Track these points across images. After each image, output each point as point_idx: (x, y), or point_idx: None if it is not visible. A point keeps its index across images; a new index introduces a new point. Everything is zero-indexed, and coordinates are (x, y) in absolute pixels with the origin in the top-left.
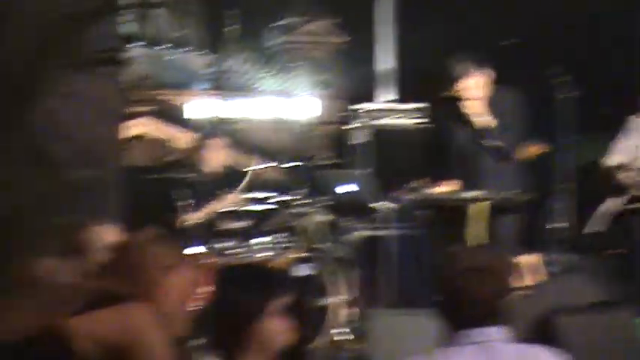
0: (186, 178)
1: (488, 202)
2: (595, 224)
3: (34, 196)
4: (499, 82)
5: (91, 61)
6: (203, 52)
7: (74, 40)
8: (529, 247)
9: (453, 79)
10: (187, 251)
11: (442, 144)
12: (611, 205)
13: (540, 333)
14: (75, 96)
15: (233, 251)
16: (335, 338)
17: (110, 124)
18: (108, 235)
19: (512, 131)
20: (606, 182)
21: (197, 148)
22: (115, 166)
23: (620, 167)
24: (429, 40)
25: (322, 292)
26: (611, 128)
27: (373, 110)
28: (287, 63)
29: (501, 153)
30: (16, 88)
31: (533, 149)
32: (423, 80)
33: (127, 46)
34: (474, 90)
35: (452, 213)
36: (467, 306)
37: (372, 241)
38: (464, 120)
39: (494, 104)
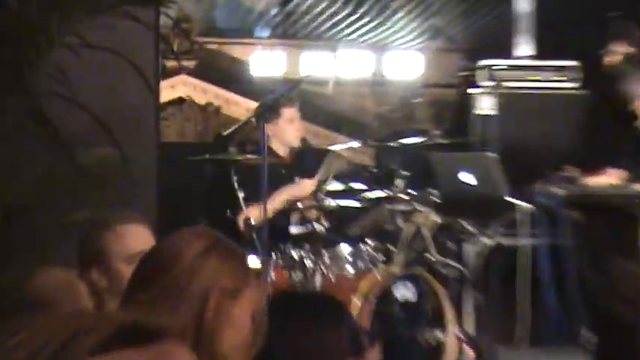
0: (247, 161)
1: None
2: None
3: (38, 183)
4: None
5: None
6: None
7: None
8: None
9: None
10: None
11: (603, 117)
12: None
13: None
14: (93, 47)
15: (309, 263)
16: None
17: (141, 86)
18: (139, 238)
19: None
20: None
21: (261, 119)
22: (148, 142)
23: None
24: None
25: (432, 323)
26: None
27: (507, 68)
28: (386, 0)
29: None
30: (16, 35)
31: None
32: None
33: None
34: None
35: (617, 215)
36: None
37: (503, 253)
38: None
39: None
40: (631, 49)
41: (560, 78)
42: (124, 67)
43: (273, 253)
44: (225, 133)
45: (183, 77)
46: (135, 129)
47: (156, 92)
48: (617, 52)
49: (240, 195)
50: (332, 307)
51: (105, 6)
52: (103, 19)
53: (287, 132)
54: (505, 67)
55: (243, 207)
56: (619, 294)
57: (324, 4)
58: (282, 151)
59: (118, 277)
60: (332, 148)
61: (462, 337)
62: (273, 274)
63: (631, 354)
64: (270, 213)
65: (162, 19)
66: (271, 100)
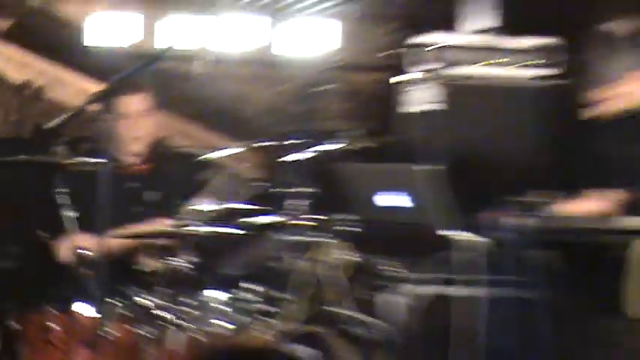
0: (79, 166)
1: None
2: None
3: None
4: None
5: None
6: None
7: None
8: None
9: None
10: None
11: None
12: None
13: None
14: None
15: (164, 314)
16: None
17: None
18: None
19: None
20: None
21: (103, 109)
22: None
23: None
24: None
25: None
26: None
27: (456, 47)
28: None
29: None
30: None
31: None
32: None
33: None
34: None
35: (598, 255)
36: None
37: (441, 305)
38: None
39: None
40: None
41: (531, 62)
42: None
43: (113, 300)
44: (48, 126)
45: None
46: None
47: None
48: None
49: (68, 213)
50: None
51: None
52: None
53: (138, 128)
54: (453, 45)
55: (71, 231)
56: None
57: None
58: (130, 154)
59: None
60: (206, 154)
61: None
62: (113, 330)
63: None
64: (115, 247)
65: None
66: (117, 81)
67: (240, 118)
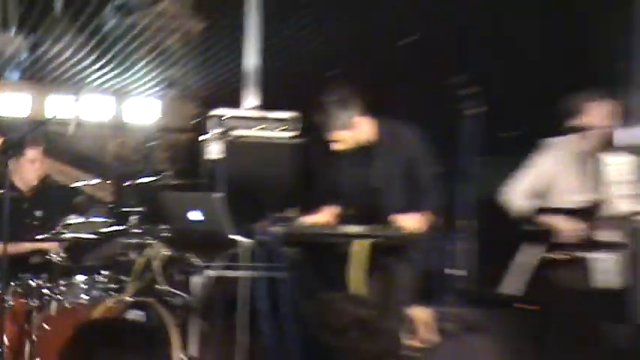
0: None
1: (370, 240)
2: (512, 284)
3: None
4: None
5: None
6: (17, 30)
7: None
8: (422, 298)
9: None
10: None
11: (318, 163)
12: (529, 256)
13: None
14: None
15: (46, 292)
16: None
17: None
18: None
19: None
20: (519, 222)
21: (4, 156)
22: None
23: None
24: (302, 38)
25: (158, 347)
26: (520, 152)
27: (235, 118)
28: (127, 51)
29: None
30: None
31: (417, 220)
32: (296, 86)
33: None
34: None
35: (328, 251)
36: None
37: (225, 284)
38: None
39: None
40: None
41: (281, 128)
42: None
43: (12, 282)
44: None
45: None
46: None
47: None
48: (330, 101)
49: None
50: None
51: None
52: None
53: (29, 170)
54: (233, 116)
55: None
56: (327, 325)
57: (70, 52)
58: (23, 186)
59: None
60: (75, 184)
61: (187, 359)
62: (12, 302)
63: None
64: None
65: None
66: (15, 138)
67: (100, 161)
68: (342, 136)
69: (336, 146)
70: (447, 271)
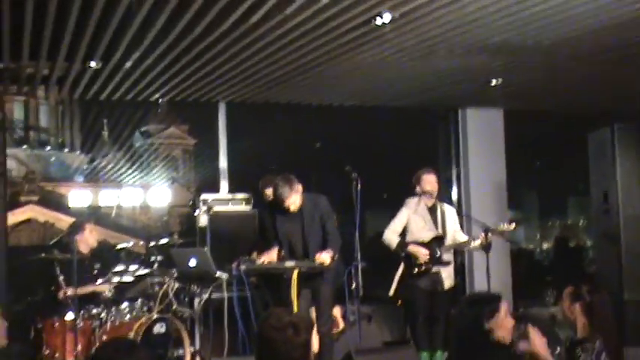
0: (63, 257)
1: (298, 270)
2: (392, 288)
3: None
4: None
5: None
6: (80, 152)
7: None
8: (339, 301)
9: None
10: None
11: (267, 223)
12: (402, 270)
13: None
14: None
15: (103, 315)
16: None
17: None
18: None
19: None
20: (395, 250)
21: (73, 232)
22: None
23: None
24: (254, 145)
25: (176, 345)
26: (392, 206)
27: (215, 200)
28: (149, 160)
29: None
30: None
31: (328, 255)
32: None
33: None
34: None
35: (276, 278)
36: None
37: (214, 302)
38: (281, 207)
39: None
40: None
41: (242, 202)
42: None
43: (81, 311)
44: (52, 242)
45: (31, 206)
46: None
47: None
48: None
49: (60, 278)
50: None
51: None
52: None
53: (89, 238)
54: (214, 199)
55: (63, 285)
56: (271, 325)
57: (112, 163)
58: (85, 249)
59: None
60: (120, 245)
61: (194, 351)
62: (82, 323)
63: None
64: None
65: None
66: (79, 220)
67: (135, 229)
68: (294, 201)
69: (291, 208)
70: (349, 283)
